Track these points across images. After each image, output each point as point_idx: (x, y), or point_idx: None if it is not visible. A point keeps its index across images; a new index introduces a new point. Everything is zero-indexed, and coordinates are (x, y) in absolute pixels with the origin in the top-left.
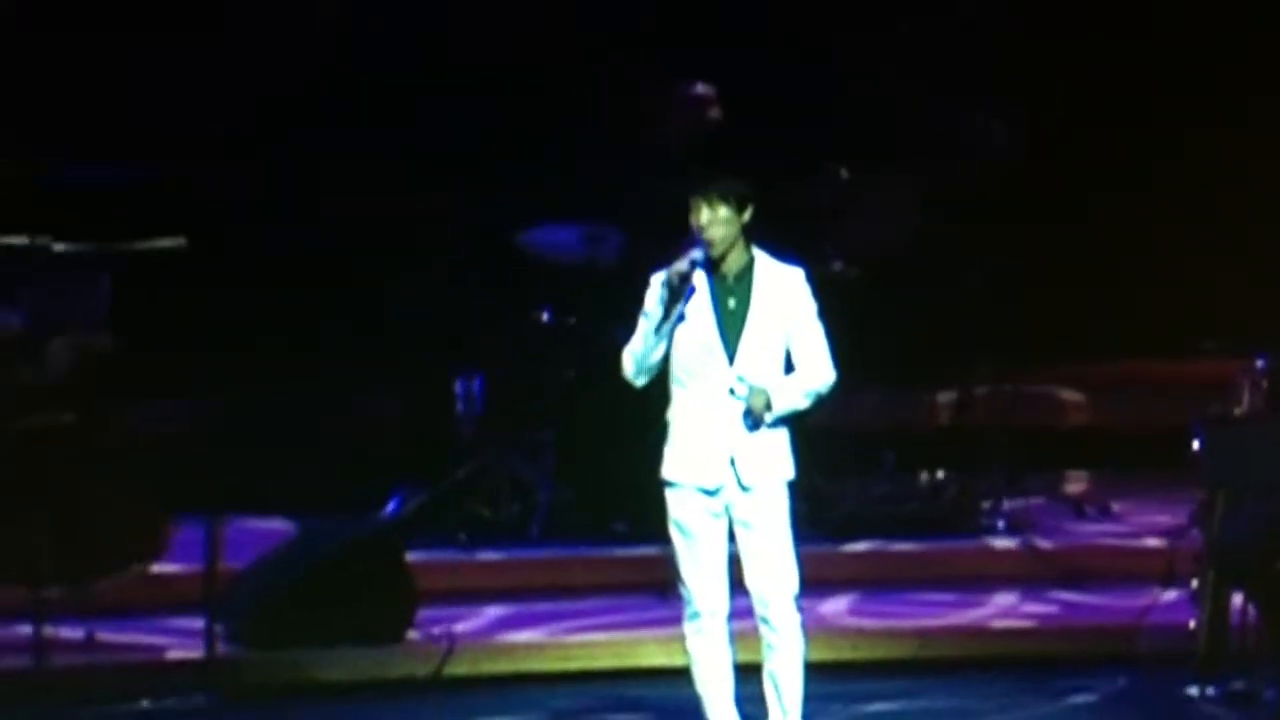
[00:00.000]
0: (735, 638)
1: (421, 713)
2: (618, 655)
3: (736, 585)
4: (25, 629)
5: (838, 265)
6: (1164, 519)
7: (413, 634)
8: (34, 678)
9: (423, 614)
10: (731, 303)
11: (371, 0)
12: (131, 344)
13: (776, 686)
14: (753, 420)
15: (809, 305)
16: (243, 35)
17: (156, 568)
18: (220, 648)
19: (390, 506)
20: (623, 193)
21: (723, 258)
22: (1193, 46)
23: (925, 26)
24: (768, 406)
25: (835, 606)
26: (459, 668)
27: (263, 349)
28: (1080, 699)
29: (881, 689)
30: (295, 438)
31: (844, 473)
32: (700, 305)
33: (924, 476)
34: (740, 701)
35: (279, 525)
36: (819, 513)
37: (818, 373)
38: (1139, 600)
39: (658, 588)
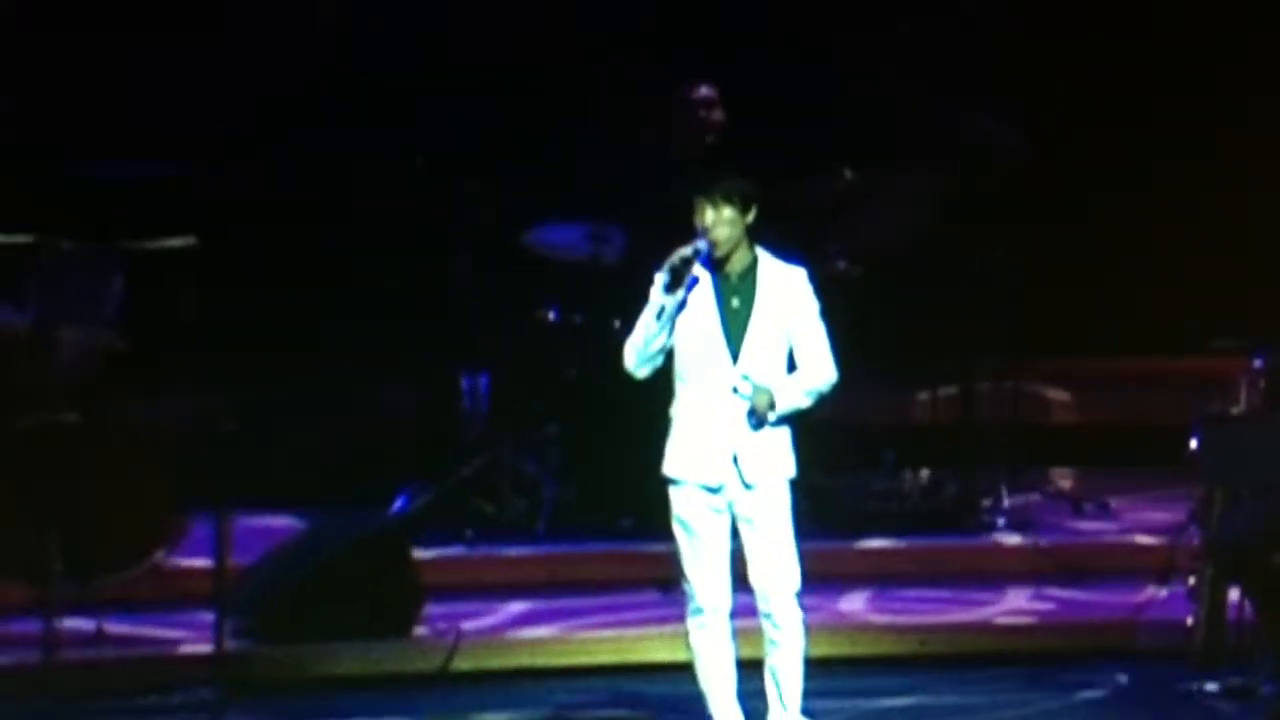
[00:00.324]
0: (738, 633)
1: (428, 707)
2: (622, 650)
3: (739, 581)
4: (35, 623)
5: (841, 264)
6: (1161, 516)
7: (419, 629)
8: (44, 672)
9: (429, 610)
10: (735, 301)
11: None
12: (141, 341)
13: (777, 681)
14: (756, 419)
15: (812, 304)
16: (244, 34)
17: (166, 563)
18: (229, 642)
19: (397, 503)
20: (626, 192)
21: (727, 257)
22: (1193, 46)
23: (925, 27)
24: (771, 405)
25: (853, 603)
26: (465, 663)
27: (270, 347)
28: (1088, 694)
29: (889, 685)
30: (303, 435)
31: (845, 470)
32: (704, 303)
33: (924, 474)
34: (742, 697)
35: (287, 522)
36: (820, 510)
37: (820, 372)
38: (1140, 596)
39: (661, 584)
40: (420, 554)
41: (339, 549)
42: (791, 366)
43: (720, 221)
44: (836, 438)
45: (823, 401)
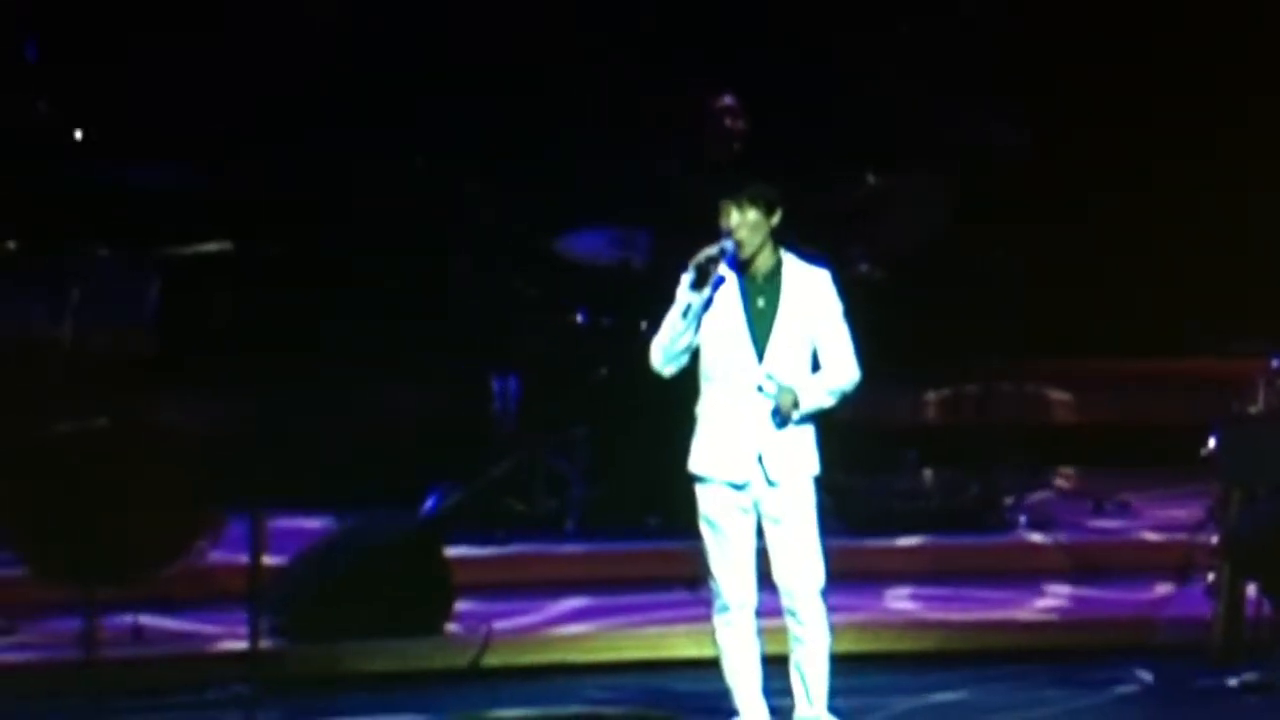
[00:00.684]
0: (765, 631)
1: (459, 702)
2: (649, 647)
3: (764, 579)
4: (74, 621)
5: (864, 267)
6: (1179, 513)
7: (451, 627)
8: (82, 668)
9: (460, 607)
10: (761, 302)
11: (391, 1)
12: (176, 343)
13: (803, 677)
14: (781, 418)
15: (835, 305)
16: (244, 34)
17: (202, 562)
18: (264, 640)
19: (428, 503)
20: (652, 196)
21: (752, 259)
22: (1193, 46)
23: (925, 27)
24: (795, 405)
25: (878, 600)
26: (495, 660)
27: (303, 349)
28: (1120, 690)
29: (914, 683)
30: (335, 436)
31: (867, 469)
32: (730, 304)
33: (927, 473)
34: (769, 693)
35: (321, 522)
36: (843, 509)
37: (843, 372)
38: (1159, 593)
39: (688, 581)
40: (451, 553)
41: (372, 548)
42: (816, 366)
43: (744, 224)
44: (859, 437)
45: (845, 401)
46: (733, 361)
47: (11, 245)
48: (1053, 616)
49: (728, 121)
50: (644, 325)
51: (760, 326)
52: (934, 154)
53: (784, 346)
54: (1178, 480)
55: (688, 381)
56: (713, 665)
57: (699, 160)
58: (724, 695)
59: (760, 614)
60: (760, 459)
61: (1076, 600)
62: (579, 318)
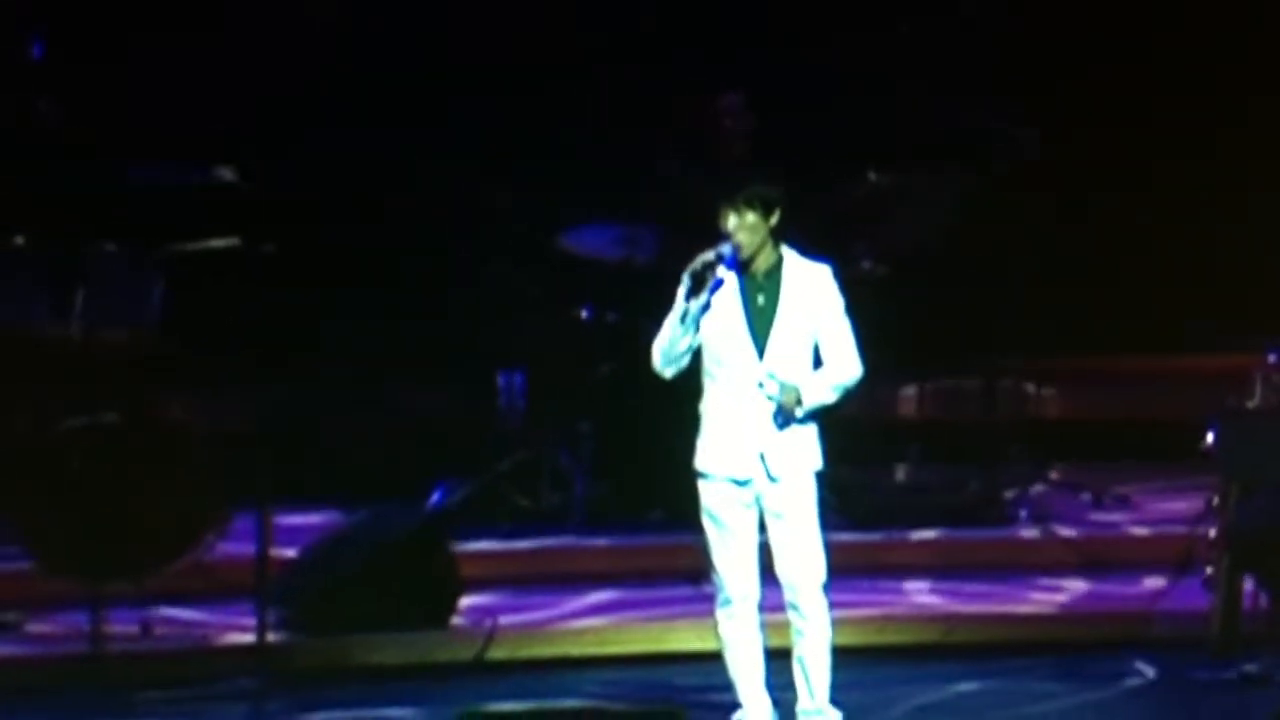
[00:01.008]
0: (769, 625)
1: (465, 695)
2: (653, 640)
3: (767, 573)
4: (83, 616)
5: (867, 264)
6: (1178, 507)
7: (457, 620)
8: (92, 662)
9: (466, 601)
10: (761, 299)
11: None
12: (183, 340)
13: (805, 671)
14: (783, 416)
15: (836, 301)
16: (264, 34)
17: (210, 556)
18: (272, 633)
19: (435, 497)
20: (658, 193)
21: (752, 258)
22: (1193, 46)
23: (925, 27)
24: (798, 402)
25: (899, 594)
26: (500, 652)
27: (311, 346)
28: (1129, 683)
29: (919, 675)
30: (343, 433)
31: (870, 464)
32: (730, 302)
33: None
34: (772, 687)
35: (328, 516)
36: (846, 504)
37: (845, 368)
38: (1157, 587)
39: (691, 575)
40: (457, 547)
41: (379, 542)
42: (818, 363)
43: (743, 226)
44: (861, 432)
45: (848, 396)
46: (734, 359)
47: (19, 241)
48: (1053, 610)
49: (731, 121)
50: (648, 323)
51: (760, 324)
52: (940, 153)
53: (784, 343)
54: (1177, 474)
55: (691, 377)
56: (716, 658)
57: (701, 160)
58: (727, 688)
59: (763, 608)
60: (762, 455)
61: (1076, 594)
62: (584, 314)
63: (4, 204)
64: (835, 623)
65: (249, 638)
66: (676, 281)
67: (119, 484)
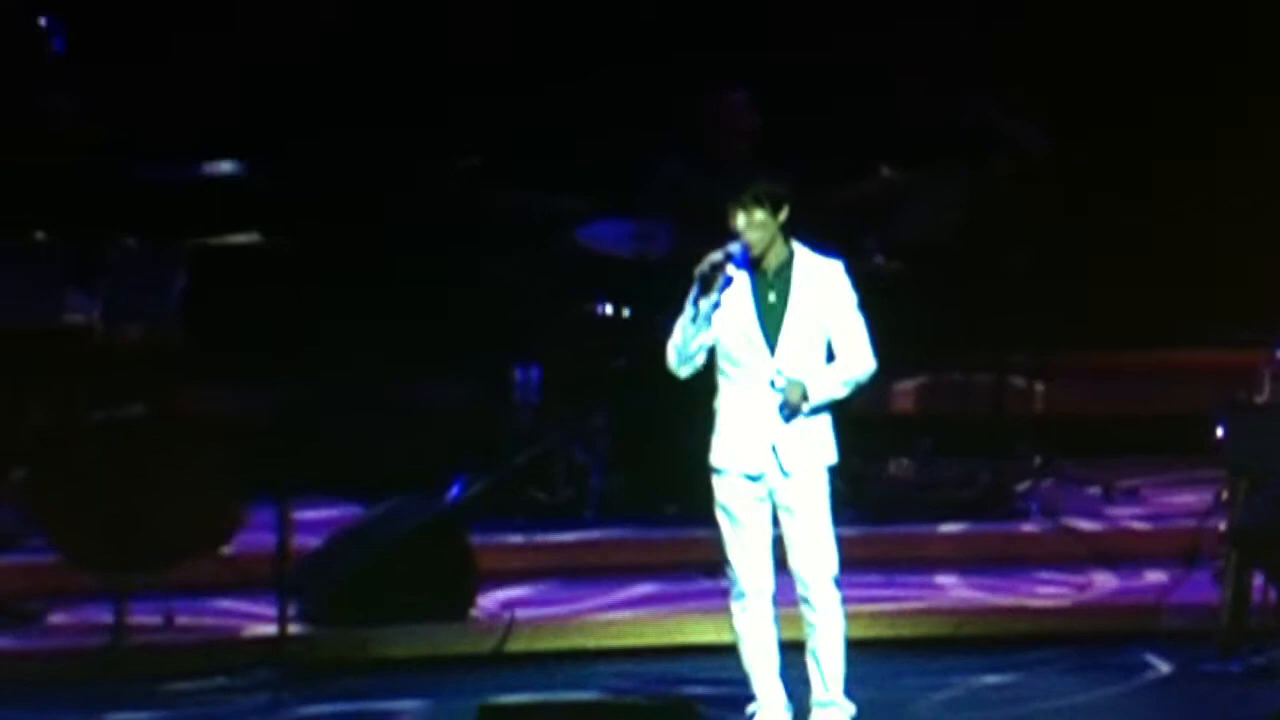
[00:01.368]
0: (784, 618)
1: (483, 687)
2: (668, 633)
3: (780, 566)
4: (105, 608)
5: (878, 260)
6: (1187, 500)
7: (475, 612)
8: (113, 654)
9: (483, 594)
10: (772, 296)
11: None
12: (203, 334)
13: (819, 664)
14: (790, 411)
15: (848, 296)
16: (273, 31)
17: (230, 549)
18: (291, 625)
19: (453, 491)
20: (669, 189)
21: (763, 255)
22: (1193, 46)
23: (925, 27)
24: (804, 397)
25: (907, 588)
26: (518, 644)
27: (328, 340)
28: (1142, 677)
29: (925, 668)
30: (361, 427)
31: (880, 458)
32: (742, 299)
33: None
34: (786, 679)
35: (347, 510)
36: (858, 497)
37: (857, 362)
38: (1167, 580)
39: (706, 568)
40: (476, 540)
41: (398, 535)
42: (831, 357)
43: (752, 225)
44: (871, 427)
45: (860, 391)
46: (746, 356)
47: (40, 236)
48: (1064, 603)
49: (739, 118)
50: (663, 317)
51: (771, 321)
52: (949, 149)
53: (796, 339)
54: (1187, 469)
55: (705, 371)
56: (731, 650)
57: (708, 158)
58: (742, 680)
59: (778, 601)
60: (775, 450)
61: (1086, 587)
62: (599, 309)
63: (25, 200)
64: (848, 616)
65: (270, 629)
66: (690, 276)
67: (142, 477)
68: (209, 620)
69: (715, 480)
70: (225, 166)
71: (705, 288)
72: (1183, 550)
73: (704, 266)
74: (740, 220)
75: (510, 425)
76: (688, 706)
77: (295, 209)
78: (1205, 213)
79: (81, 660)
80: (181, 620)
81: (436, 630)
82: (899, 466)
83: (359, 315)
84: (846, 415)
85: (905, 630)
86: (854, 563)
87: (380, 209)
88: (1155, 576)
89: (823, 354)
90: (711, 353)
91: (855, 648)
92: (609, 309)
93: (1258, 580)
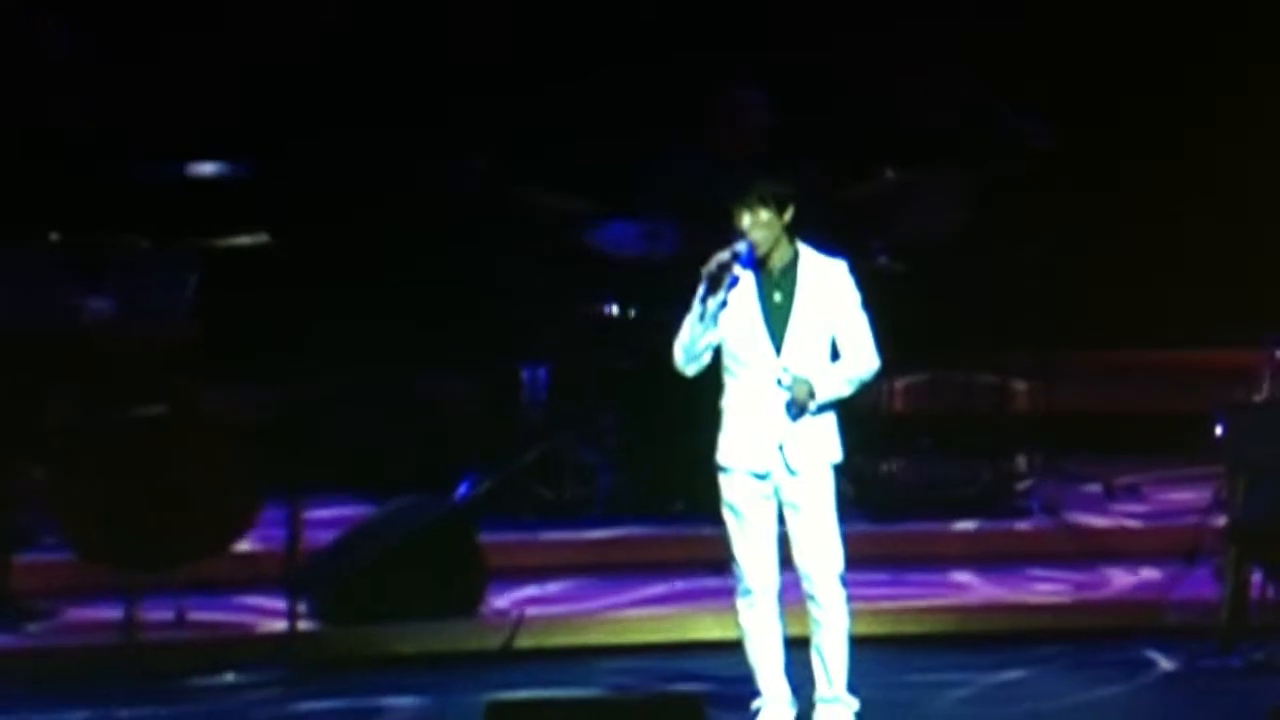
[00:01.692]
0: (789, 614)
1: (492, 683)
2: (675, 629)
3: (786, 564)
4: (116, 605)
5: (883, 260)
6: (1187, 497)
7: (483, 609)
8: (124, 651)
9: (492, 591)
10: (777, 296)
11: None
12: (214, 333)
13: (823, 660)
14: (796, 410)
15: (852, 296)
16: (274, 30)
17: (241, 547)
18: (302, 622)
19: (461, 489)
20: (680, 188)
21: (768, 255)
22: (1193, 47)
23: (925, 27)
24: (810, 396)
25: (909, 585)
26: (527, 641)
27: (339, 339)
28: (1144, 675)
29: (938, 664)
30: (372, 425)
31: (882, 456)
32: (747, 299)
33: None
34: (791, 675)
35: (357, 508)
36: (862, 495)
37: (861, 361)
38: (1168, 576)
39: (712, 565)
40: (484, 537)
41: (407, 533)
42: (835, 356)
43: (757, 225)
44: (873, 425)
45: (864, 389)
46: (752, 355)
47: (54, 236)
48: (1065, 600)
49: (749, 117)
50: (670, 317)
51: (777, 320)
52: (958, 149)
53: (801, 339)
54: (1187, 466)
55: (712, 371)
56: (737, 647)
57: (718, 157)
58: (748, 676)
59: (783, 598)
60: (781, 448)
61: (1086, 584)
62: (606, 309)
63: (37, 201)
64: (853, 613)
65: (280, 626)
66: (697, 275)
67: (158, 476)
68: (220, 617)
69: (721, 478)
70: (208, 168)
71: (712, 287)
72: (1183, 547)
73: (711, 266)
74: (745, 220)
75: (518, 424)
76: (693, 702)
77: (299, 209)
78: (1205, 213)
79: (94, 657)
80: (192, 617)
81: (445, 627)
82: (895, 466)
83: (368, 315)
84: (848, 413)
85: (909, 627)
86: (860, 561)
87: (385, 209)
88: (1156, 573)
89: (827, 353)
90: (717, 352)
91: (859, 644)
92: (615, 309)
93: (1257, 576)
